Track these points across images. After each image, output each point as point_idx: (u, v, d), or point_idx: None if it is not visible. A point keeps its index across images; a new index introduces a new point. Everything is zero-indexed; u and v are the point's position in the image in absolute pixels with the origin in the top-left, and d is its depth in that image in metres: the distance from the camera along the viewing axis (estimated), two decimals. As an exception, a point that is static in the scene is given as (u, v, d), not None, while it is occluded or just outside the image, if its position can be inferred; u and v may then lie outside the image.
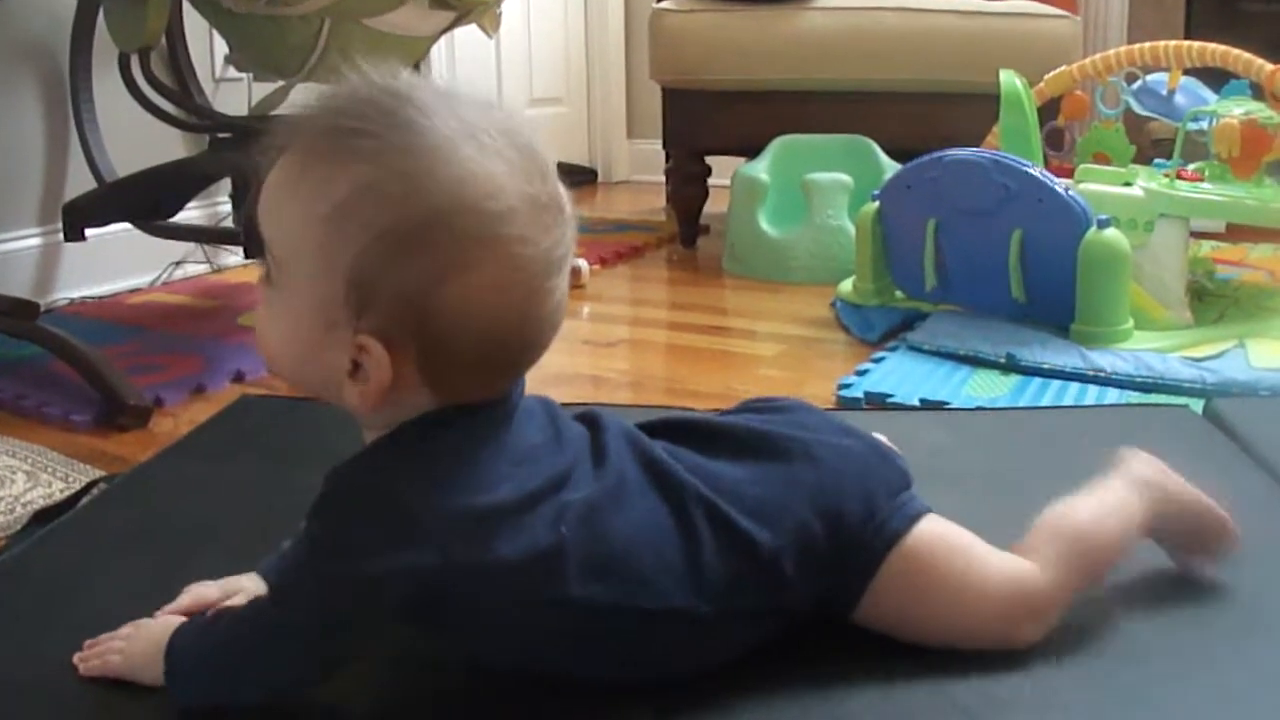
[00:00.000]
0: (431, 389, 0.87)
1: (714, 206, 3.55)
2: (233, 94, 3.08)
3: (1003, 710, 0.92)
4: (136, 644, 0.98)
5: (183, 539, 1.28)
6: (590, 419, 0.99)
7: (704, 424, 1.05)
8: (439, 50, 4.08)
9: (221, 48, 2.86)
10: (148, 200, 2.57)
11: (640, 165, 5.07)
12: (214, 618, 0.94)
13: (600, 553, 0.89)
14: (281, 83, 2.57)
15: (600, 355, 2.39)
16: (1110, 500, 1.07)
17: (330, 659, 0.90)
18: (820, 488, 0.97)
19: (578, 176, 4.96)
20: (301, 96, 2.54)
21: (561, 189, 0.89)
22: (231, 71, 3.01)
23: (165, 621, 0.99)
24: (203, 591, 1.07)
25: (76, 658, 1.00)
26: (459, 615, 0.89)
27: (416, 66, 2.88)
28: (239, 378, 2.19)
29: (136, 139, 2.73)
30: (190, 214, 2.97)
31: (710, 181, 3.55)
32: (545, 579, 0.87)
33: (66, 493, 1.55)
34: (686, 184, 3.53)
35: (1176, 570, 1.14)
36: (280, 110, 2.65)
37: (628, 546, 0.90)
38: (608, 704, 0.93)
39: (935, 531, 1.00)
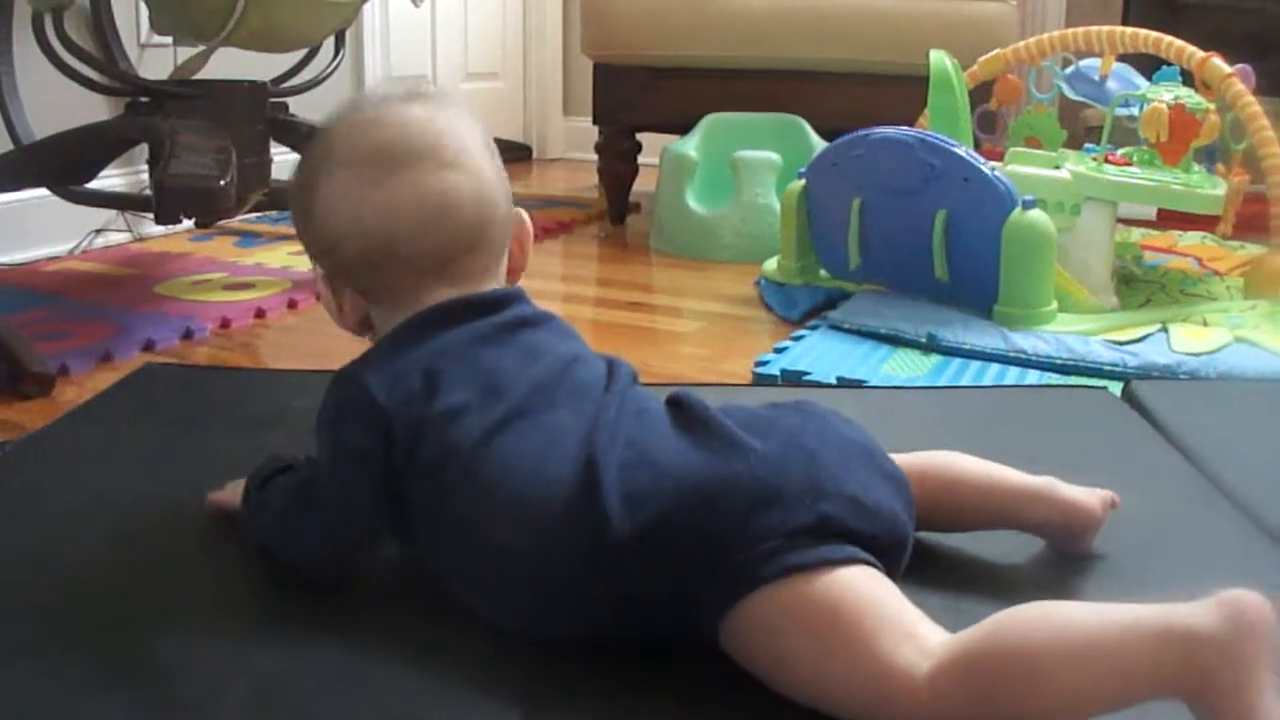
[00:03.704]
0: (369, 298, 1.08)
1: (645, 184, 3.52)
2: (158, 59, 3.01)
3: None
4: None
5: (73, 506, 1.24)
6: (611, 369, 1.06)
7: (698, 409, 0.97)
8: (373, 23, 4.03)
9: (146, 11, 2.80)
10: (60, 164, 2.51)
11: (576, 142, 5.03)
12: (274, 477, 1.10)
13: (484, 473, 0.94)
14: (201, 47, 2.52)
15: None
16: (1111, 636, 0.76)
17: (349, 527, 1.02)
18: (700, 491, 0.88)
19: (512, 153, 4.93)
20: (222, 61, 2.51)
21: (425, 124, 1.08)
22: (157, 37, 2.95)
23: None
24: None
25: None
26: (404, 513, 0.99)
27: (341, 36, 2.84)
28: (149, 346, 2.13)
29: (59, 103, 2.66)
30: (111, 181, 2.91)
31: (642, 159, 3.52)
32: (444, 484, 0.95)
33: (-44, 459, 1.50)
34: (616, 160, 3.50)
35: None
36: (201, 75, 2.60)
37: (509, 473, 0.94)
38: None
39: (808, 590, 0.85)
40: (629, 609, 0.90)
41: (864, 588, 0.85)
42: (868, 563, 0.88)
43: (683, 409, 0.98)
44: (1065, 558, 1.11)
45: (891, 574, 0.91)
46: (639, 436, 0.94)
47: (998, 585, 1.06)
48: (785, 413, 0.98)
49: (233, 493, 1.15)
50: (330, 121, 1.10)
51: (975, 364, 2.01)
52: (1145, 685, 0.75)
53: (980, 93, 2.83)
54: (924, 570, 1.03)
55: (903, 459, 1.04)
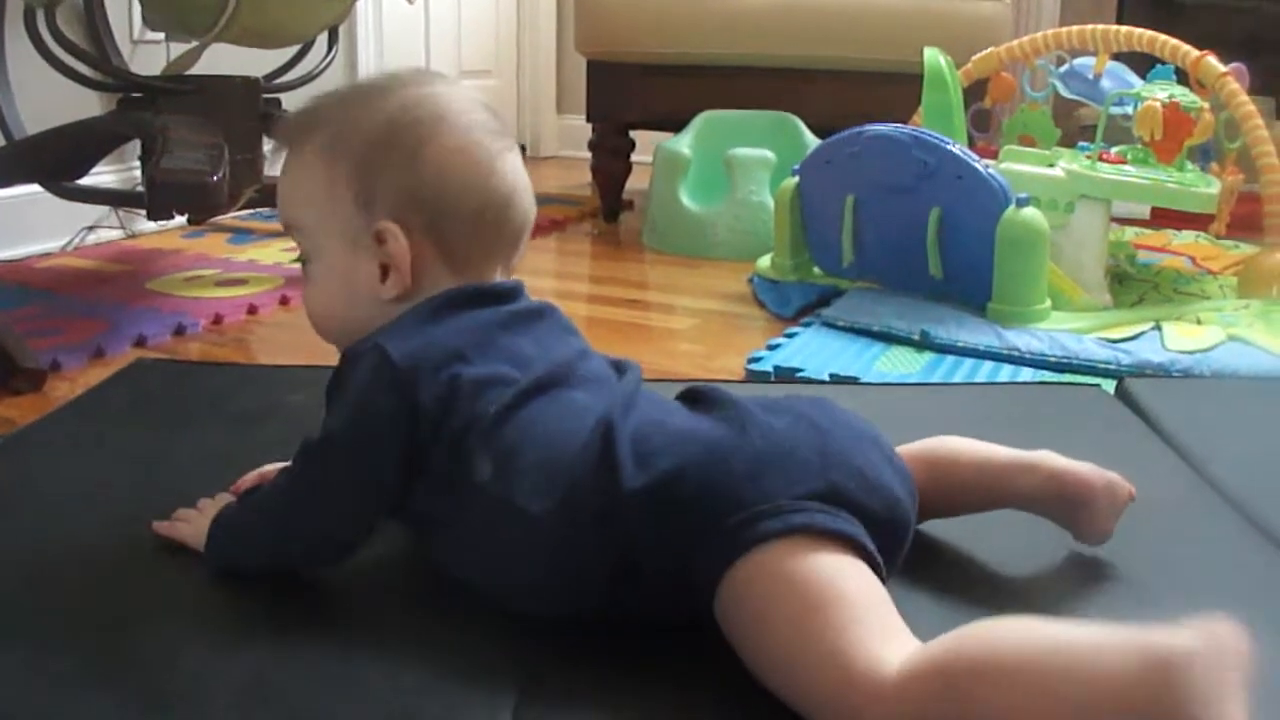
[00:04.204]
0: (444, 259, 1.05)
1: (639, 182, 3.52)
2: (151, 54, 3.01)
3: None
4: (201, 519, 1.09)
5: (64, 502, 1.23)
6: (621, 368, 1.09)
7: (715, 392, 1.02)
8: (366, 19, 4.02)
9: (139, 7, 2.80)
10: (52, 160, 2.50)
11: (569, 140, 5.03)
12: (250, 489, 1.11)
13: (506, 439, 0.96)
14: (194, 43, 2.51)
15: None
16: (1084, 652, 0.74)
17: (369, 500, 1.00)
18: (712, 451, 0.91)
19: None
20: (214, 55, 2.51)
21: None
22: (150, 33, 2.94)
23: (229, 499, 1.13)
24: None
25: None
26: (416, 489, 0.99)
27: (334, 32, 2.83)
28: (141, 342, 2.13)
29: (51, 98, 2.65)
30: (103, 177, 2.91)
31: (635, 157, 3.52)
32: (466, 452, 0.96)
33: (-54, 455, 1.50)
34: (610, 158, 3.50)
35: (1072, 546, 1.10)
36: (194, 71, 2.60)
37: (531, 441, 0.95)
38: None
39: (802, 563, 0.85)
40: (635, 578, 0.90)
41: (857, 577, 0.85)
42: (869, 551, 0.88)
43: (699, 398, 1.02)
44: (1056, 555, 1.10)
45: (891, 562, 0.92)
46: (654, 412, 0.98)
47: (985, 584, 1.06)
48: (798, 400, 0.99)
49: (187, 527, 1.10)
50: (412, 82, 1.11)
51: (968, 361, 2.01)
52: (1115, 703, 0.71)
53: (974, 91, 2.83)
54: (916, 572, 1.03)
55: (899, 449, 1.05)
